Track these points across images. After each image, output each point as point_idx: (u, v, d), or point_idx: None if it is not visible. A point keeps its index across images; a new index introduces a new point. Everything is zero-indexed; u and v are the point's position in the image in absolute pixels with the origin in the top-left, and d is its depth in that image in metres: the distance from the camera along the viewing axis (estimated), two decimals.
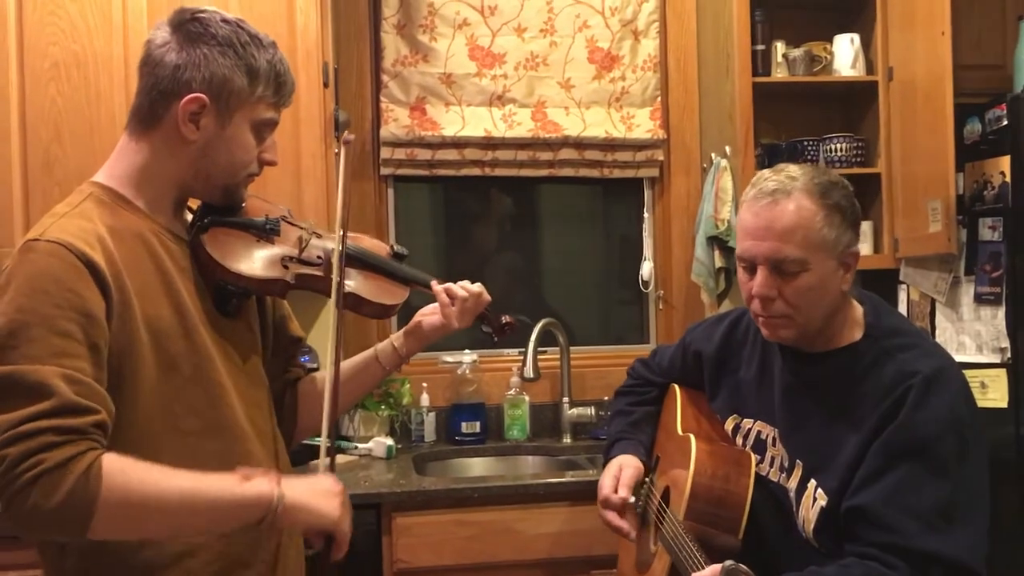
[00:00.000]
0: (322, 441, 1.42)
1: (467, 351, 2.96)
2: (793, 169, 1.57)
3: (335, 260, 1.46)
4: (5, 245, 2.34)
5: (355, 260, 1.58)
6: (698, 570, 1.48)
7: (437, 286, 1.65)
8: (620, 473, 1.85)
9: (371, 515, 2.28)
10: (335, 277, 1.46)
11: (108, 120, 2.38)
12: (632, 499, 1.82)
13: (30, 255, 1.24)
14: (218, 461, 1.32)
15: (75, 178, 2.33)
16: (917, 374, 1.48)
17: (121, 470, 1.18)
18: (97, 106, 2.38)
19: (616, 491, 1.81)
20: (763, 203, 1.53)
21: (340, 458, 2.59)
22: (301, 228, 1.54)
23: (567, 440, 2.91)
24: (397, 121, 2.93)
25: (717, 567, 1.37)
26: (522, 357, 2.82)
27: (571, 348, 2.98)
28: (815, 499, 1.53)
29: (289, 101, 1.44)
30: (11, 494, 1.13)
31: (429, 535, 2.29)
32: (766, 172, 1.60)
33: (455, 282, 1.67)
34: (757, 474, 1.65)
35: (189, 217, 1.47)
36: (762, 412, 1.71)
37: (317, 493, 1.33)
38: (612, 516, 1.81)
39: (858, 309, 1.62)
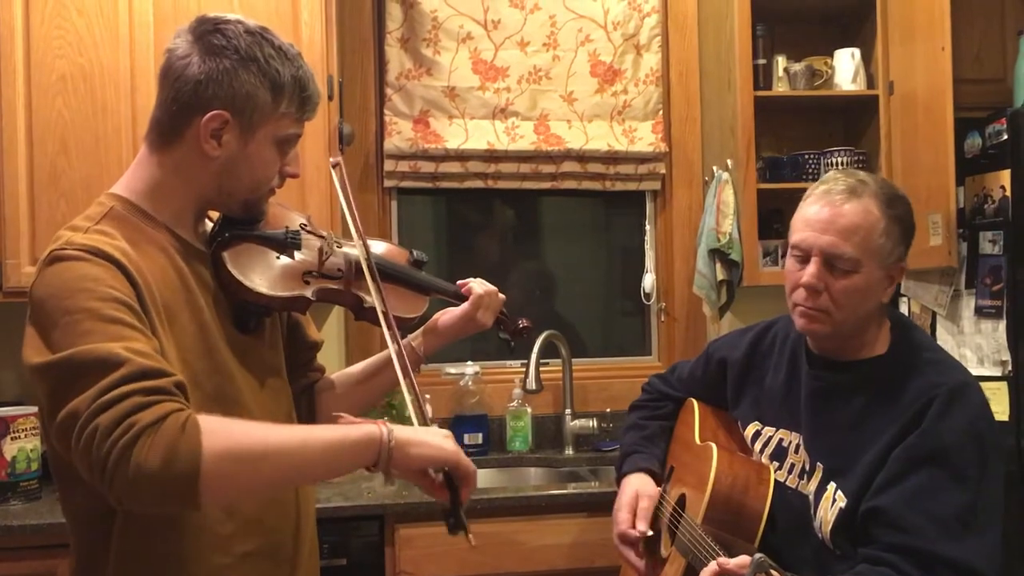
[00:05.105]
0: (410, 402, 1.39)
1: (469, 363, 2.97)
2: (863, 174, 1.63)
3: (366, 272, 1.45)
4: (11, 257, 2.36)
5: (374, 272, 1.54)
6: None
7: (460, 283, 1.65)
8: (636, 504, 1.84)
9: (374, 527, 2.29)
10: (369, 282, 1.44)
11: (114, 133, 2.40)
12: (651, 532, 1.81)
13: (57, 265, 1.20)
14: None
15: (81, 190, 2.37)
16: (942, 386, 1.51)
17: (219, 421, 1.15)
18: (103, 119, 2.39)
19: (634, 526, 1.81)
20: (833, 198, 1.57)
21: None
22: (321, 238, 1.50)
23: (569, 452, 2.92)
24: (401, 134, 2.94)
25: (746, 558, 1.36)
26: (524, 369, 2.82)
27: (573, 360, 2.99)
28: (834, 500, 1.55)
29: (313, 114, 1.40)
30: (113, 462, 1.07)
31: (432, 546, 2.29)
32: (835, 173, 1.65)
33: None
34: (775, 481, 1.67)
35: (208, 225, 1.44)
36: (786, 420, 1.72)
37: (425, 431, 1.30)
38: (627, 551, 1.81)
39: (886, 323, 1.65)
